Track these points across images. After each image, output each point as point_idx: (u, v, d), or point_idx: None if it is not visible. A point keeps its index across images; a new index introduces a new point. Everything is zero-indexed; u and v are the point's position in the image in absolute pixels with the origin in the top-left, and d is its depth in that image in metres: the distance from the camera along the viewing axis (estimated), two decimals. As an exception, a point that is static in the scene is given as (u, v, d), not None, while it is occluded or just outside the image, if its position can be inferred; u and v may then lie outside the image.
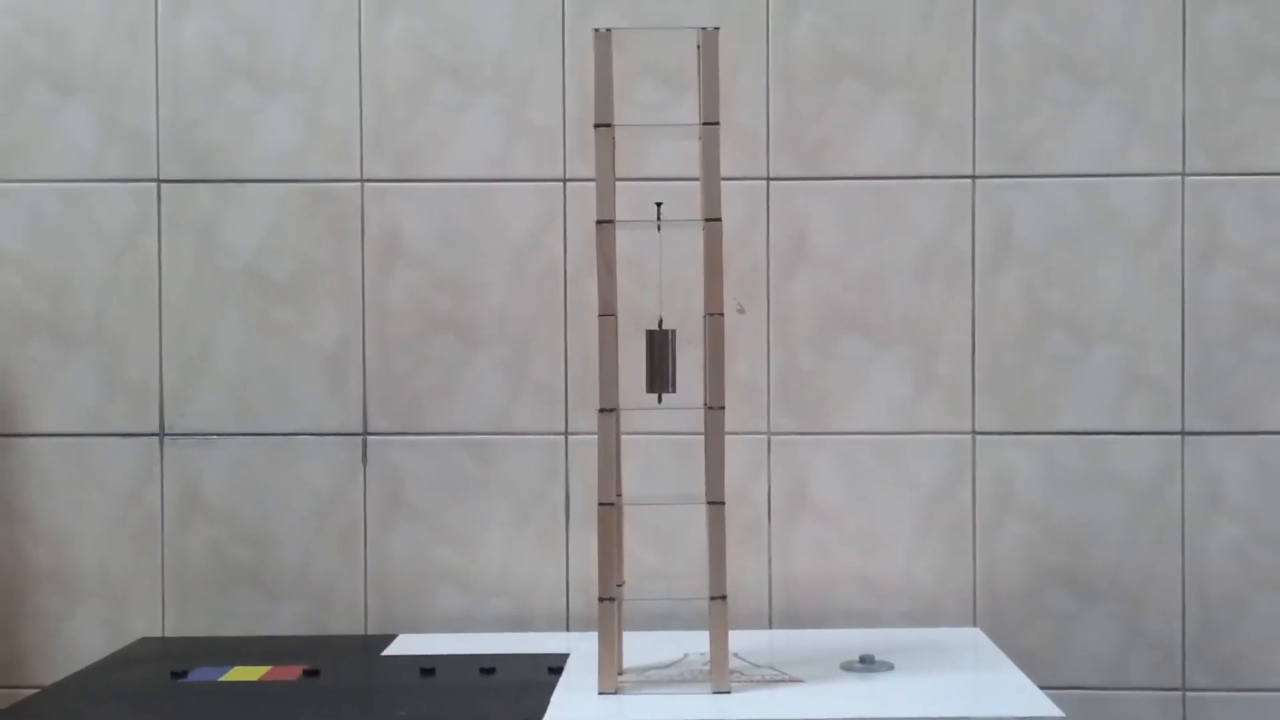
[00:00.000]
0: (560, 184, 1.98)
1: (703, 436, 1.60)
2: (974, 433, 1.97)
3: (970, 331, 1.97)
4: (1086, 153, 1.96)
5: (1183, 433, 1.96)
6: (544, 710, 1.54)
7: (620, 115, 1.63)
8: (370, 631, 1.98)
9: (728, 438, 1.95)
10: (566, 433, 1.98)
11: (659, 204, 1.65)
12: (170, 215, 1.99)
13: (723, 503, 1.59)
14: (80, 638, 1.98)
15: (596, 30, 1.62)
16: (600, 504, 1.60)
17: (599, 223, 1.61)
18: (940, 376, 1.97)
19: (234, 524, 1.99)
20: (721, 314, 1.59)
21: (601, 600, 1.60)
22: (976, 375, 1.97)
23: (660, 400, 1.63)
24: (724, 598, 1.59)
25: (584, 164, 1.96)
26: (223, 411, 1.99)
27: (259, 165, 1.99)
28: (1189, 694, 1.96)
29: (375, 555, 1.99)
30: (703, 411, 1.61)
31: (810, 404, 1.97)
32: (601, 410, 1.60)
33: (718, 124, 1.59)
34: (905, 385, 1.97)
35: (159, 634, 1.98)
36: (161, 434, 1.99)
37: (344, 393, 1.99)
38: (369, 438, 1.99)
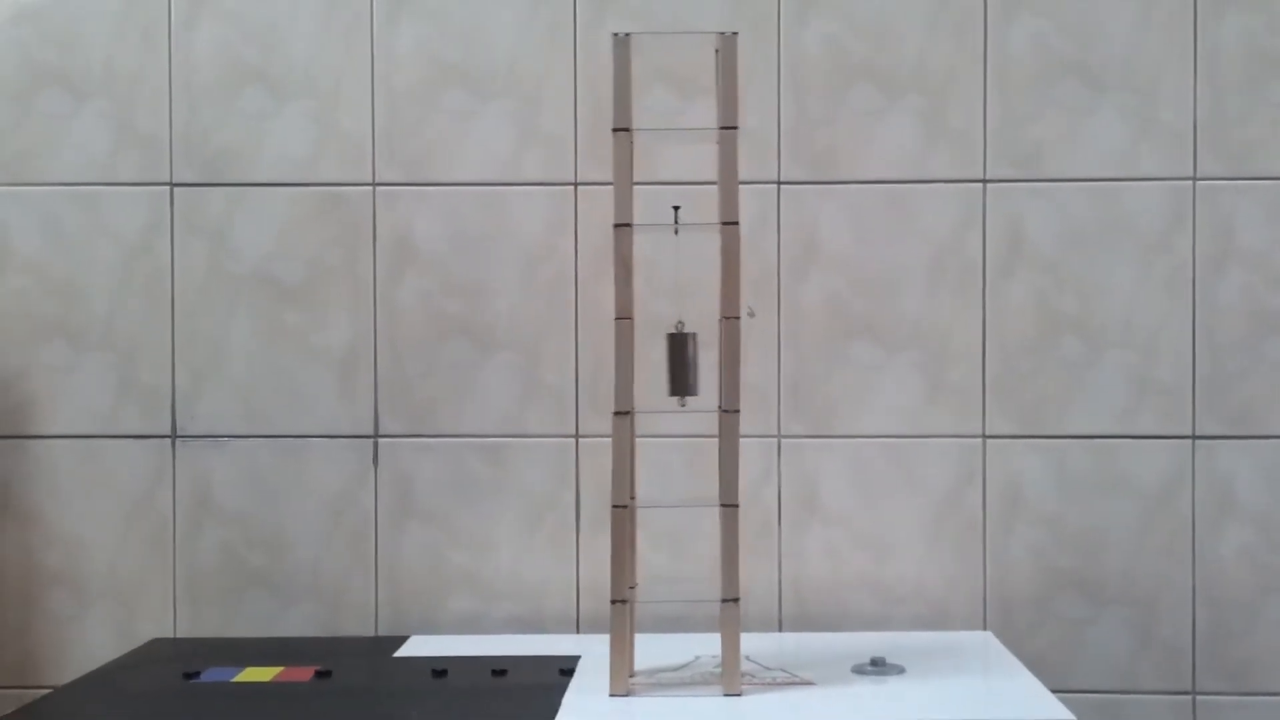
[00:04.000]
0: (571, 188, 1.98)
1: (714, 439, 1.60)
2: (984, 436, 1.97)
3: (981, 336, 1.97)
4: (1097, 157, 1.96)
5: (1194, 437, 1.96)
6: (555, 712, 1.54)
7: (633, 120, 1.64)
8: (381, 633, 1.98)
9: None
10: (577, 435, 1.98)
11: (676, 208, 1.66)
12: (183, 219, 2.00)
13: (737, 505, 1.60)
14: (92, 639, 1.98)
15: (615, 35, 1.62)
16: (614, 506, 1.61)
17: (617, 226, 1.61)
18: (951, 380, 1.97)
19: (245, 526, 1.99)
20: (738, 317, 1.60)
21: (614, 602, 1.60)
22: (987, 379, 1.97)
23: (683, 403, 1.63)
24: (736, 600, 1.59)
25: (595, 168, 1.96)
26: (234, 414, 1.99)
27: (271, 169, 2.00)
28: (1200, 698, 1.96)
29: (386, 557, 1.99)
30: (715, 415, 1.61)
31: (820, 407, 1.98)
32: (616, 413, 1.60)
33: (736, 128, 1.60)
34: (916, 389, 1.97)
35: (170, 635, 1.99)
36: (174, 436, 2.00)
37: (355, 395, 1.99)
38: (380, 440, 1.99)
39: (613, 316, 1.61)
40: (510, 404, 1.98)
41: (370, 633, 1.98)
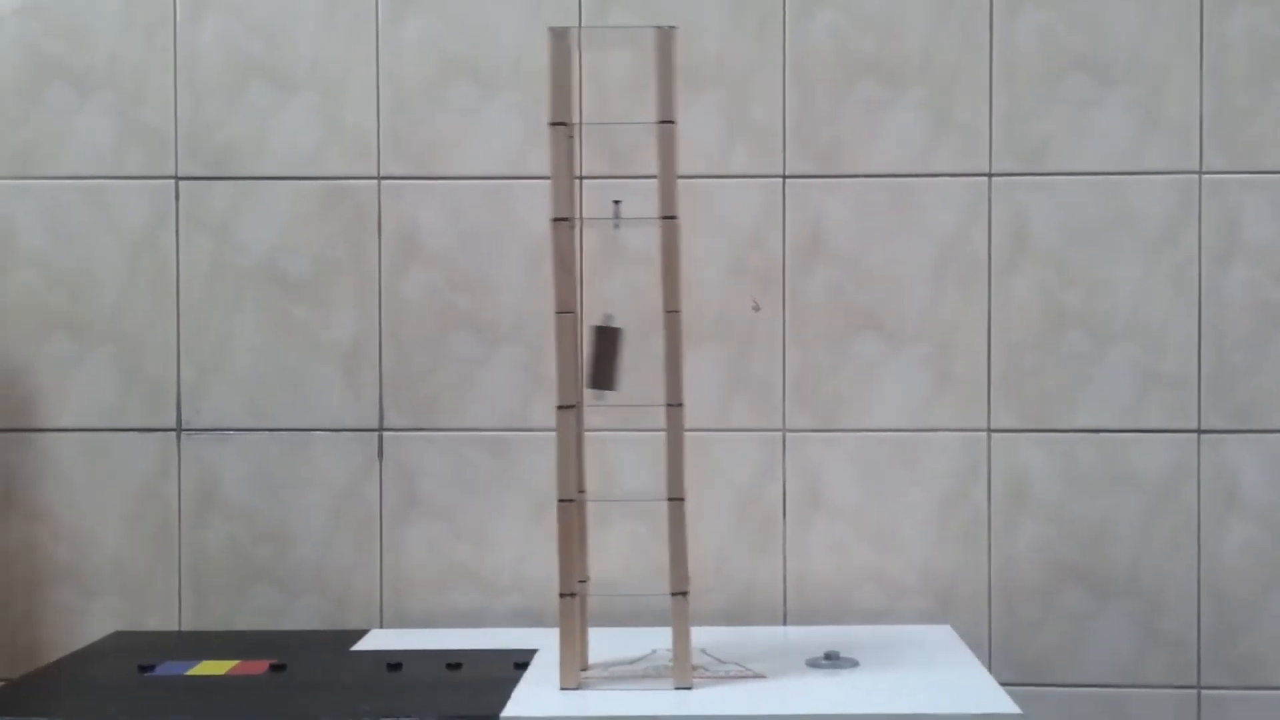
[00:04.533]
0: (576, 182, 1.97)
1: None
2: (989, 430, 1.97)
3: (986, 330, 1.97)
4: (1103, 151, 1.96)
5: (1199, 431, 1.96)
6: (503, 705, 1.55)
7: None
8: (386, 626, 1.98)
9: (742, 434, 1.97)
10: (581, 429, 1.97)
11: (617, 202, 1.67)
12: (188, 213, 2.00)
13: (683, 499, 1.60)
14: (97, 632, 1.98)
15: (552, 29, 1.63)
16: (560, 500, 1.61)
17: (554, 220, 1.62)
18: (956, 374, 1.97)
19: (250, 519, 2.00)
20: (678, 311, 1.61)
21: (562, 596, 1.60)
22: (992, 373, 1.97)
23: (601, 398, 1.63)
24: (685, 594, 1.60)
25: (598, 162, 1.96)
26: (239, 407, 2.00)
27: (276, 163, 2.00)
28: (1204, 693, 1.96)
29: (391, 551, 1.99)
30: (667, 410, 1.61)
31: (825, 401, 1.97)
32: (560, 407, 1.61)
33: (674, 123, 1.60)
34: (920, 383, 1.97)
35: (174, 629, 1.99)
36: (179, 429, 2.00)
37: (360, 389, 1.99)
38: (385, 434, 1.99)
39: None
40: (514, 398, 1.98)
41: (375, 625, 1.98)
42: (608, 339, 1.63)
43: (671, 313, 1.61)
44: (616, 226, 1.66)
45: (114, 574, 2.00)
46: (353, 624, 1.98)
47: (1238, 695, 1.95)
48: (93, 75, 2.00)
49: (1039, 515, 1.97)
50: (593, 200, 1.88)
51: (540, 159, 1.98)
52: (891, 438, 1.97)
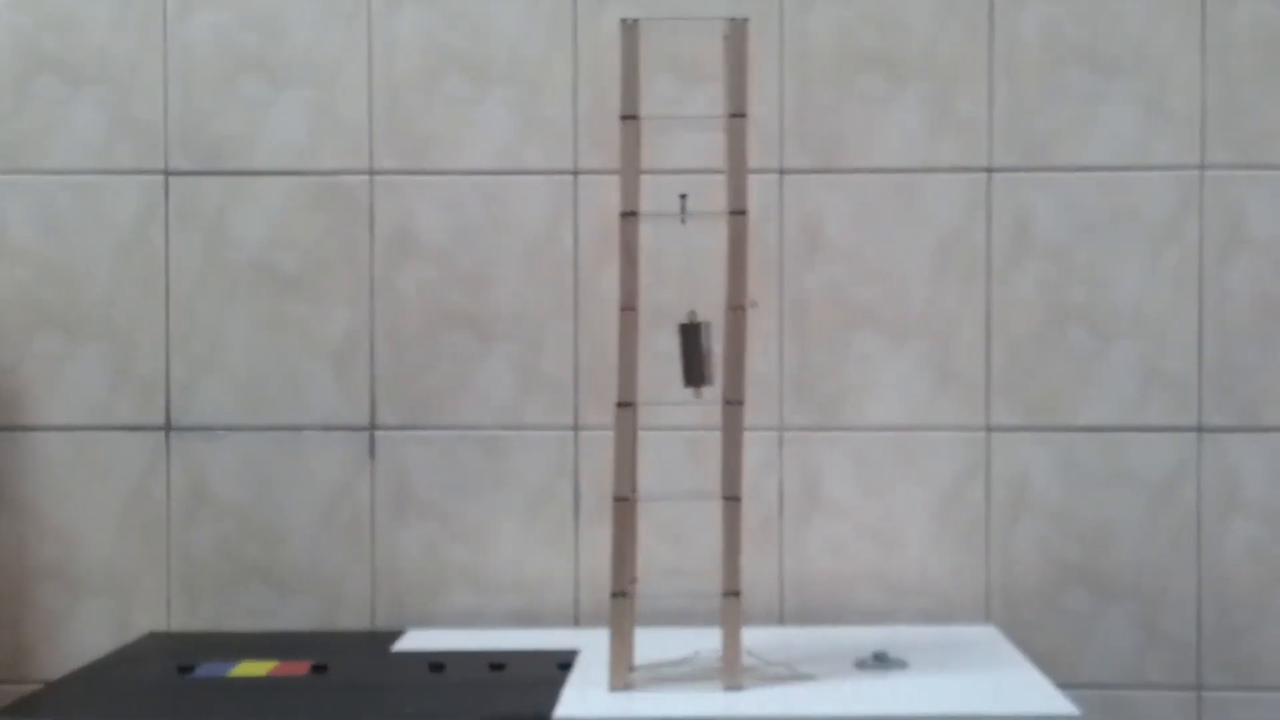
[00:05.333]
0: (571, 176, 1.96)
1: (716, 431, 1.58)
2: (989, 429, 1.95)
3: (986, 326, 1.95)
4: (1105, 146, 1.94)
5: (1200, 429, 1.94)
6: (554, 705, 1.52)
7: (647, 106, 1.61)
8: (378, 627, 1.96)
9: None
10: (576, 428, 1.96)
11: (683, 196, 1.63)
12: (179, 208, 1.98)
13: (739, 498, 1.58)
14: (86, 633, 1.96)
15: (624, 20, 1.60)
16: (615, 499, 1.59)
17: (623, 215, 1.58)
18: (956, 372, 1.95)
19: (241, 518, 1.97)
20: (744, 308, 1.57)
21: (614, 595, 1.58)
22: (992, 371, 1.95)
23: (699, 394, 1.60)
24: (738, 594, 1.57)
25: (595, 156, 1.94)
26: (230, 405, 1.97)
27: (269, 158, 1.98)
28: (1205, 693, 1.94)
29: (383, 550, 1.97)
30: (717, 406, 1.59)
31: (824, 399, 1.96)
32: (620, 404, 1.58)
33: (745, 115, 1.57)
34: (920, 380, 1.95)
35: (165, 629, 1.97)
36: (168, 427, 1.98)
37: (353, 387, 1.97)
38: (377, 432, 1.97)
39: (613, 306, 1.59)
40: (509, 396, 1.96)
41: (367, 626, 1.96)
42: (695, 335, 1.60)
43: (737, 309, 1.57)
44: (683, 221, 1.63)
45: (103, 573, 1.98)
46: (345, 624, 1.96)
47: (1239, 696, 1.94)
48: (83, 68, 1.98)
49: (1039, 514, 1.95)
50: (597, 195, 1.86)
51: (536, 154, 1.96)
52: (891, 436, 1.95)
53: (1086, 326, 1.94)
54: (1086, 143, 1.94)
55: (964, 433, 1.95)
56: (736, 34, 1.58)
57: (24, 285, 1.98)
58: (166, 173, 1.98)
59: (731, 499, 1.58)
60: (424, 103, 1.97)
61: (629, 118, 1.59)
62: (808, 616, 1.95)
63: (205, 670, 1.71)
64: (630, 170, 1.59)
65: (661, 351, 1.63)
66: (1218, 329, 1.94)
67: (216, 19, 1.98)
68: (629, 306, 1.58)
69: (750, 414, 1.92)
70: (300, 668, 1.71)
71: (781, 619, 1.95)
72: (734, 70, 1.58)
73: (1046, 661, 1.89)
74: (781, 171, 1.95)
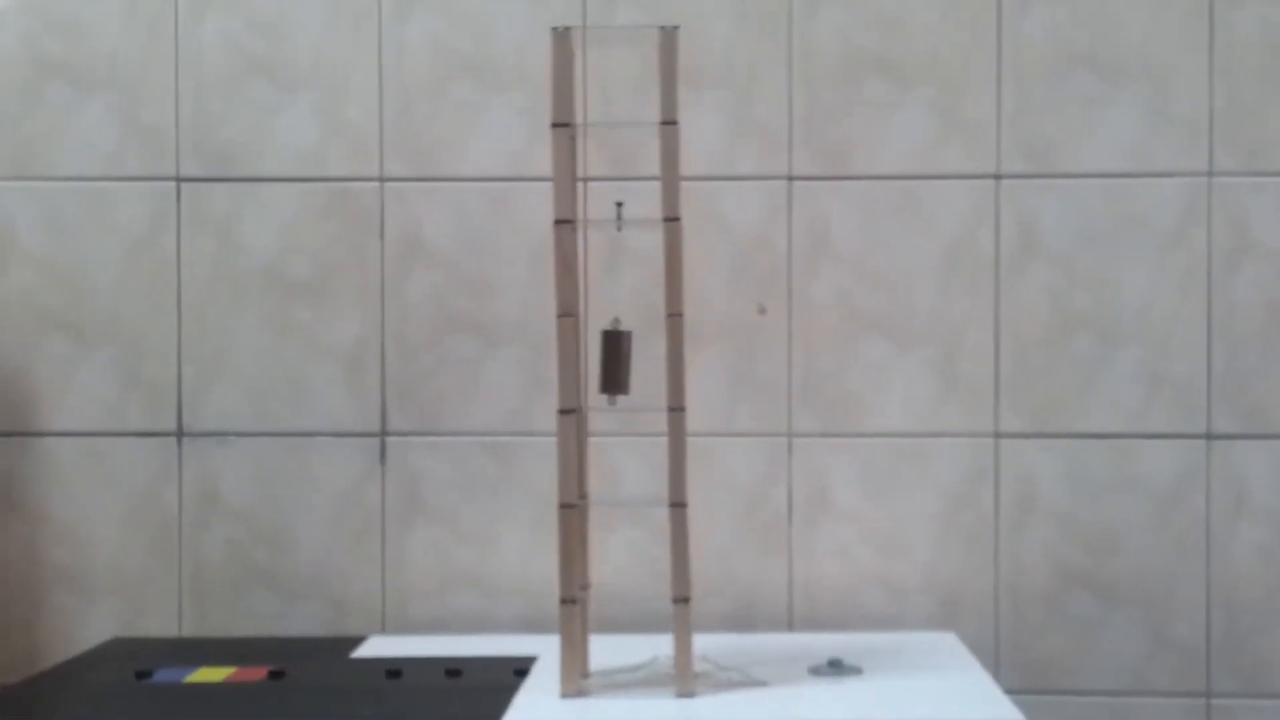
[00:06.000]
0: (579, 183, 1.96)
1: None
2: (996, 435, 1.95)
3: (994, 333, 1.95)
4: (1112, 152, 1.94)
5: (1208, 436, 1.94)
6: (503, 712, 1.53)
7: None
8: (388, 632, 1.96)
9: (748, 439, 1.95)
10: (585, 434, 1.96)
11: (619, 204, 1.65)
12: (189, 214, 1.99)
13: (685, 505, 1.58)
14: (97, 637, 1.97)
15: (554, 29, 1.61)
16: (561, 505, 1.60)
17: (557, 222, 1.60)
18: (963, 378, 1.95)
19: (251, 524, 1.98)
20: (681, 314, 1.58)
21: (563, 602, 1.59)
22: (1000, 377, 1.95)
23: (613, 401, 1.62)
24: (687, 600, 1.58)
25: (602, 163, 1.94)
26: (240, 411, 1.98)
27: (278, 164, 1.98)
28: (1214, 701, 1.94)
29: (393, 556, 1.98)
30: (669, 414, 1.59)
31: (832, 405, 1.96)
32: (561, 411, 1.59)
33: (676, 124, 1.59)
34: (928, 386, 1.95)
35: (175, 634, 1.97)
36: (179, 433, 1.99)
37: (363, 393, 1.98)
38: (387, 438, 1.98)
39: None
40: (518, 401, 1.97)
41: (377, 631, 1.97)
42: (617, 343, 1.61)
43: (674, 315, 1.59)
44: (619, 229, 1.64)
45: (114, 578, 1.99)
46: (354, 629, 1.97)
47: (1248, 704, 1.94)
48: (93, 74, 1.99)
49: (1046, 520, 1.95)
50: (598, 201, 1.86)
51: (544, 160, 1.96)
52: (898, 442, 1.95)
53: (1093, 333, 1.94)
54: (1093, 149, 1.94)
55: (971, 439, 1.95)
56: (666, 42, 1.58)
57: (35, 291, 1.99)
58: (178, 179, 1.99)
59: (678, 505, 1.59)
60: (433, 108, 1.98)
61: (560, 125, 1.60)
62: (816, 623, 1.95)
63: (162, 676, 1.71)
64: (564, 177, 1.61)
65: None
66: (1225, 335, 1.94)
67: (226, 25, 1.98)
68: (567, 313, 1.59)
69: (758, 420, 1.95)
70: (258, 673, 1.71)
71: (790, 625, 1.96)
72: (666, 78, 1.58)
73: (1053, 668, 1.89)
74: (790, 178, 1.96)
